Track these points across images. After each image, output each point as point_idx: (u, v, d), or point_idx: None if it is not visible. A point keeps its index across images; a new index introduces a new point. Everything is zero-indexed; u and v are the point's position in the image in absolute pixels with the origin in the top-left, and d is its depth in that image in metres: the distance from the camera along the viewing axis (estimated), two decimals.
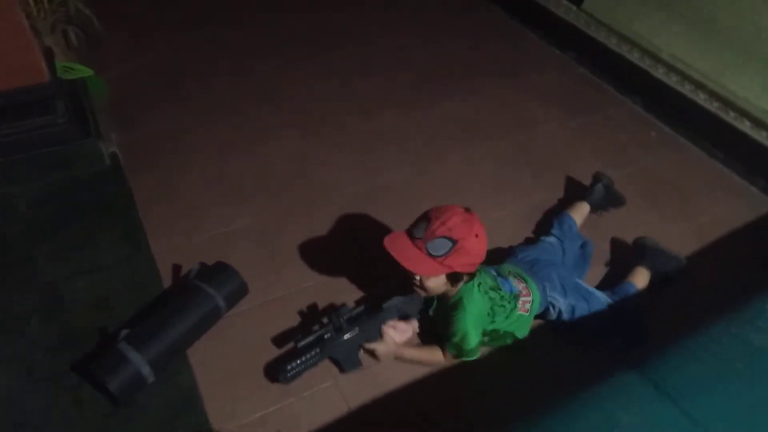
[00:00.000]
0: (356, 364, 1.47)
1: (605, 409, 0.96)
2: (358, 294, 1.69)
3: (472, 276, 1.43)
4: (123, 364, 1.34)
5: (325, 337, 1.41)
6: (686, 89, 2.22)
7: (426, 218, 1.37)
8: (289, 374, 1.37)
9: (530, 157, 2.20)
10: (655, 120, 2.39)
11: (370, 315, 1.48)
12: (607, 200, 1.94)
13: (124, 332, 1.40)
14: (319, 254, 1.80)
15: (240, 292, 1.58)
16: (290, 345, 1.51)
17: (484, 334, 1.49)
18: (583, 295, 1.59)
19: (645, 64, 2.35)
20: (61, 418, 1.37)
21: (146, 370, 1.36)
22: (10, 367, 1.45)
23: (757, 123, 2.03)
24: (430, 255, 1.34)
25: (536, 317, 1.59)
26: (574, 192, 2.02)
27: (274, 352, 1.53)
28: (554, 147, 2.26)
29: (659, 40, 2.30)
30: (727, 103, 2.11)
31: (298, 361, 1.37)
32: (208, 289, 1.50)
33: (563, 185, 2.09)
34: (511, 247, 1.78)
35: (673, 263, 1.75)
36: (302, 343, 1.39)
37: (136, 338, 1.38)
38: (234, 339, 1.55)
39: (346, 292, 1.69)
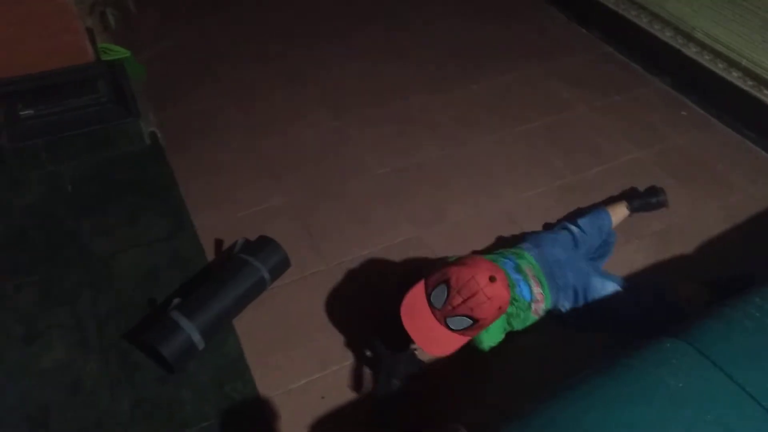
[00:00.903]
0: (418, 365, 1.43)
1: (652, 373, 0.99)
2: (393, 270, 1.73)
3: None
4: (176, 332, 1.40)
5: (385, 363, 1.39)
6: (719, 68, 2.21)
7: (446, 283, 1.28)
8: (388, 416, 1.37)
9: (560, 138, 2.22)
10: (685, 99, 2.38)
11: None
12: (645, 209, 1.89)
13: (176, 301, 1.46)
14: (354, 231, 1.84)
15: (283, 265, 1.63)
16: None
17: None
18: (594, 298, 1.55)
19: (677, 42, 2.34)
20: (115, 383, 1.43)
21: (197, 338, 1.42)
22: (65, 337, 1.52)
23: None
24: (448, 327, 1.30)
25: None
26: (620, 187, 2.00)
27: (316, 322, 1.58)
28: (583, 128, 2.27)
29: (693, 19, 2.28)
30: (762, 81, 2.10)
31: (387, 401, 1.36)
32: (254, 262, 1.56)
33: (597, 169, 2.09)
34: (534, 234, 1.73)
35: (656, 195, 1.85)
36: (378, 392, 1.37)
37: (188, 307, 1.44)
38: (277, 310, 1.60)
39: (381, 268, 1.73)
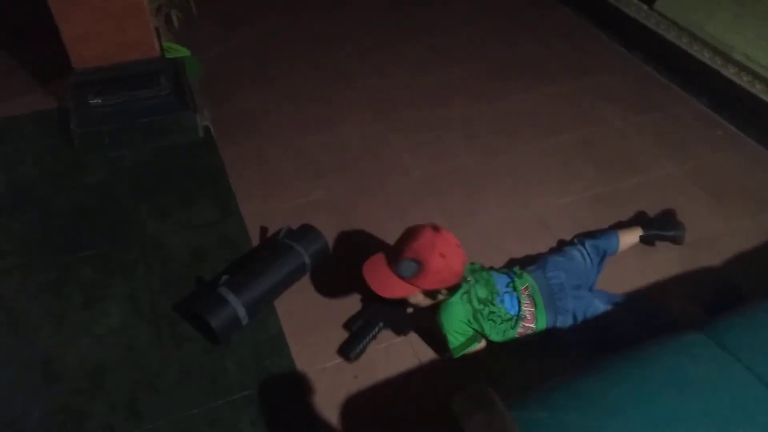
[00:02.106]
0: (410, 326, 1.59)
1: (672, 360, 1.05)
2: None
3: (455, 288, 1.47)
4: (223, 306, 1.50)
5: (374, 315, 1.57)
6: (757, 89, 2.25)
7: (398, 241, 1.47)
8: (355, 356, 1.52)
9: (594, 152, 2.28)
10: (722, 119, 2.42)
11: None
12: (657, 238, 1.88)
13: (224, 278, 1.57)
14: (390, 226, 1.91)
15: (323, 252, 1.73)
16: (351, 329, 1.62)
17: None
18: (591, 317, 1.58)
19: (716, 63, 2.39)
20: (165, 350, 1.54)
21: (242, 313, 1.52)
22: (121, 305, 1.64)
23: None
24: (400, 276, 1.42)
25: None
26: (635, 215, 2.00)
27: (351, 307, 1.67)
28: (618, 142, 2.33)
29: (732, 40, 2.33)
30: None
31: (360, 345, 1.53)
32: (297, 247, 1.66)
33: (630, 182, 2.14)
34: (543, 255, 1.74)
35: (673, 229, 1.84)
36: (356, 326, 1.55)
37: (235, 284, 1.55)
38: (316, 294, 1.70)
39: None
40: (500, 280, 1.56)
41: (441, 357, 1.56)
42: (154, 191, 1.98)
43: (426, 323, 1.57)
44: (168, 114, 2.11)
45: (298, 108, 2.42)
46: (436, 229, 1.43)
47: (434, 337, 1.57)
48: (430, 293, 1.48)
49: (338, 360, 1.55)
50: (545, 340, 1.57)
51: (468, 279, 1.50)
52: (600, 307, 1.58)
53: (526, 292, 1.55)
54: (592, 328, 1.56)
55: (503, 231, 1.93)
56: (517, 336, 1.52)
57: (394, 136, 2.30)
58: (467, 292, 1.48)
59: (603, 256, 1.74)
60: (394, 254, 1.44)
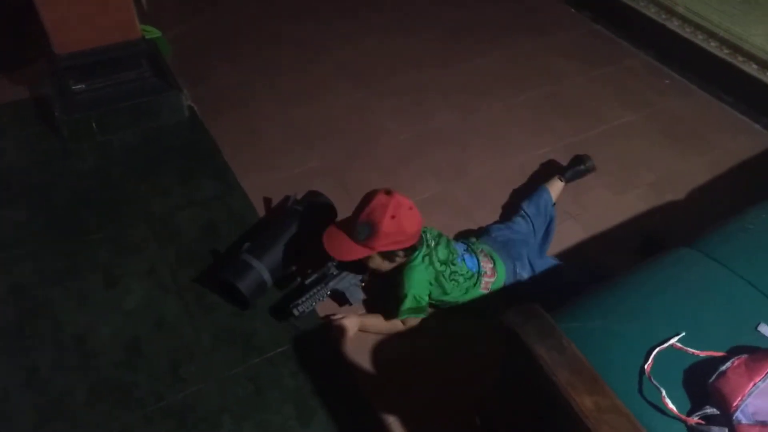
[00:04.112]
0: (358, 296, 1.61)
1: (669, 271, 1.24)
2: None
3: (412, 250, 1.52)
4: (249, 270, 1.58)
5: (328, 273, 1.59)
6: (699, 39, 2.48)
7: (356, 208, 1.51)
8: (297, 311, 1.53)
9: (560, 105, 2.46)
10: (669, 70, 2.65)
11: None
12: (578, 176, 2.02)
13: (246, 245, 1.64)
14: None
15: (331, 214, 1.82)
16: (293, 285, 1.67)
17: (439, 303, 1.61)
18: (548, 274, 1.69)
19: (660, 18, 2.60)
20: (195, 319, 1.61)
21: (267, 276, 1.61)
22: (142, 282, 1.69)
23: (763, 65, 2.31)
24: (356, 241, 1.48)
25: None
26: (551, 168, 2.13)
27: None
28: (580, 96, 2.52)
29: None
30: (737, 49, 2.38)
31: (305, 297, 1.54)
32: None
33: (596, 130, 2.34)
34: (485, 227, 1.85)
35: (582, 163, 2.01)
36: (309, 280, 1.57)
37: (256, 250, 1.62)
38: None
39: None
40: (458, 247, 1.63)
41: (383, 317, 1.60)
42: (150, 172, 2.00)
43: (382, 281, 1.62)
44: (153, 95, 2.12)
45: (276, 81, 2.47)
46: (388, 192, 1.47)
47: (386, 299, 1.61)
48: (387, 255, 1.52)
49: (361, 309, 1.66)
50: (508, 299, 1.65)
51: (429, 242, 1.55)
52: (550, 260, 1.74)
53: (483, 253, 1.65)
54: (544, 279, 1.68)
55: (491, 183, 2.08)
56: (482, 291, 1.61)
57: (375, 102, 2.40)
58: (428, 255, 1.54)
59: (545, 211, 1.84)
60: (351, 221, 1.50)
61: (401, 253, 1.52)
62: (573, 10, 3.04)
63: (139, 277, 1.70)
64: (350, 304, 1.61)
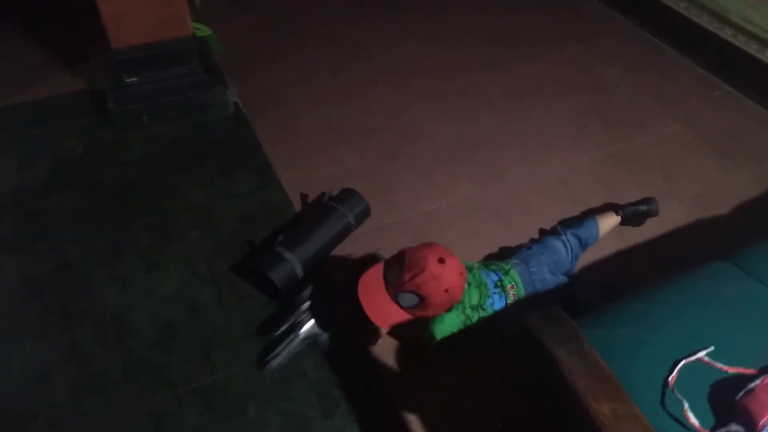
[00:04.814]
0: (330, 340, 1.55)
1: (706, 284, 1.21)
2: (456, 223, 1.94)
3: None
4: (282, 262, 1.62)
5: (297, 321, 1.52)
6: (753, 49, 2.40)
7: (400, 263, 1.37)
8: (271, 367, 1.48)
9: (602, 113, 2.41)
10: (718, 80, 2.57)
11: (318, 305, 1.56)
12: (635, 221, 1.92)
13: (280, 238, 1.69)
14: (421, 189, 2.06)
15: (365, 213, 1.85)
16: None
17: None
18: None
19: (712, 26, 2.53)
20: (227, 306, 1.66)
21: (299, 269, 1.65)
22: (179, 268, 1.75)
23: None
24: (398, 304, 1.38)
25: None
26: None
27: None
28: (623, 104, 2.47)
29: (728, 2, 2.47)
30: None
31: (279, 349, 1.49)
32: (341, 209, 1.78)
33: (640, 140, 2.29)
34: (528, 247, 1.73)
35: (646, 204, 1.88)
36: (279, 331, 1.51)
37: (290, 243, 1.67)
38: (359, 252, 1.82)
39: (446, 223, 1.94)
40: (489, 280, 1.54)
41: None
42: (194, 164, 2.08)
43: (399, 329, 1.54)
44: (201, 91, 2.20)
45: (319, 80, 2.52)
46: (441, 261, 1.35)
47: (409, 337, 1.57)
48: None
49: None
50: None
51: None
52: (560, 276, 1.66)
53: (512, 291, 1.55)
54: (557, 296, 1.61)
55: (528, 189, 2.07)
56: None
57: (415, 104, 2.42)
58: (461, 302, 1.45)
59: (585, 245, 1.77)
60: (395, 279, 1.37)
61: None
62: (621, 16, 2.99)
63: (176, 264, 1.76)
64: (326, 348, 1.55)
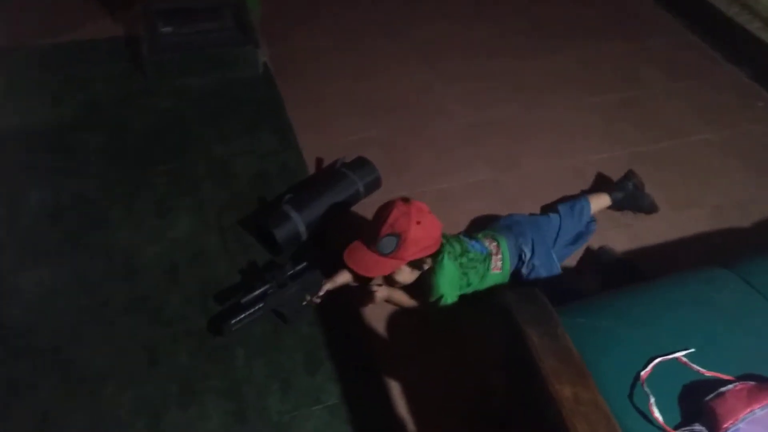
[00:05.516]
0: (301, 316, 1.56)
1: (697, 288, 1.19)
2: (466, 203, 1.94)
3: (438, 254, 1.49)
4: (287, 220, 1.66)
5: (268, 292, 1.50)
6: None
7: (373, 221, 1.47)
8: (233, 328, 1.46)
9: (635, 113, 2.36)
10: (765, 91, 2.47)
11: (311, 271, 1.56)
12: (631, 201, 1.90)
13: (287, 197, 1.72)
14: (436, 166, 2.07)
15: (375, 183, 1.87)
16: (233, 301, 1.57)
17: (462, 296, 1.58)
18: (548, 262, 1.65)
19: (765, 35, 2.43)
20: (231, 256, 1.71)
21: (302, 229, 1.68)
22: (190, 215, 1.81)
23: None
24: (382, 255, 1.44)
25: None
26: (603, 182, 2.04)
27: None
28: (658, 106, 2.40)
29: None
30: None
31: (242, 316, 1.46)
32: (352, 176, 1.81)
33: (667, 143, 2.23)
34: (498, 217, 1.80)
35: (647, 203, 1.88)
36: (245, 299, 1.47)
37: (297, 203, 1.70)
38: (363, 221, 1.84)
39: (456, 202, 1.94)
40: (462, 236, 1.62)
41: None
42: (218, 118, 2.13)
43: (396, 297, 1.60)
44: (232, 48, 2.24)
45: (349, 51, 2.53)
46: (405, 200, 1.44)
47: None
48: (415, 264, 1.49)
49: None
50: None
51: (443, 241, 1.52)
52: (555, 265, 1.65)
53: (485, 237, 1.63)
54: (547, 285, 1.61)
55: (543, 179, 2.05)
56: (495, 272, 1.59)
57: (442, 84, 2.41)
58: (449, 252, 1.52)
59: (578, 217, 1.75)
60: (372, 234, 1.45)
61: (428, 260, 1.51)
62: (670, 16, 2.89)
63: (188, 211, 1.82)
64: (289, 324, 1.55)
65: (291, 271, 1.54)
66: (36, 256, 1.67)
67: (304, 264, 1.56)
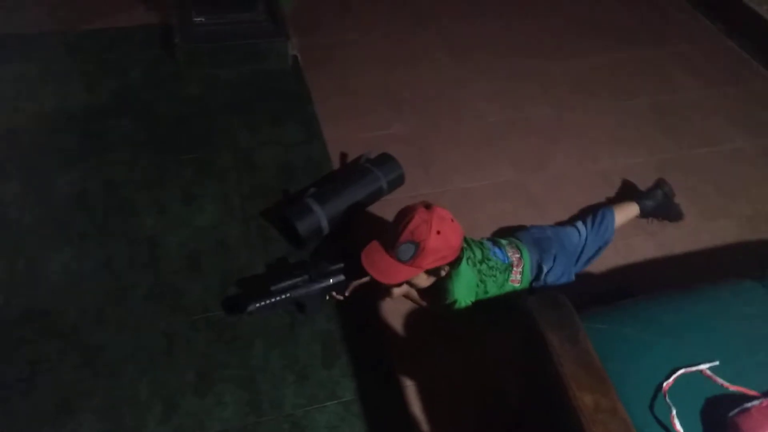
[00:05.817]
0: (317, 309, 1.56)
1: (727, 299, 1.16)
2: (490, 204, 1.93)
3: (457, 262, 1.46)
4: (309, 214, 1.67)
5: (299, 284, 1.50)
6: None
7: (391, 226, 1.43)
8: (251, 310, 1.46)
9: (666, 119, 2.31)
10: None
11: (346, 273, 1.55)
12: (661, 210, 1.87)
13: (311, 190, 1.73)
14: (461, 165, 2.05)
15: (398, 180, 1.86)
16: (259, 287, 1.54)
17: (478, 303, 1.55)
18: (562, 278, 1.64)
19: None
20: (253, 247, 1.72)
21: (324, 223, 1.68)
22: (215, 204, 1.83)
23: None
24: (399, 261, 1.41)
25: None
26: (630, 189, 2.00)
27: None
28: (691, 113, 2.35)
29: None
30: None
31: (266, 302, 1.47)
32: (376, 172, 1.80)
33: (699, 151, 2.19)
34: (527, 226, 1.76)
35: (675, 211, 1.86)
36: (276, 287, 1.48)
37: (321, 197, 1.70)
38: (387, 216, 1.84)
39: (480, 202, 1.93)
40: (485, 242, 1.61)
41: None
42: (246, 109, 2.14)
43: (413, 295, 1.60)
44: (263, 39, 2.25)
45: (379, 44, 2.52)
46: (428, 207, 1.41)
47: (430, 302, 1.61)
48: (433, 271, 1.47)
49: None
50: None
51: (463, 246, 1.50)
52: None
53: (509, 245, 1.61)
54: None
55: (569, 182, 2.02)
56: (513, 285, 1.58)
57: (472, 81, 2.39)
58: (468, 257, 1.50)
59: (602, 236, 1.72)
60: (391, 239, 1.42)
61: (446, 267, 1.48)
62: (707, 21, 2.82)
63: (213, 200, 1.84)
64: (306, 315, 1.56)
65: (332, 268, 1.53)
66: (62, 240, 1.70)
67: (341, 265, 1.54)
